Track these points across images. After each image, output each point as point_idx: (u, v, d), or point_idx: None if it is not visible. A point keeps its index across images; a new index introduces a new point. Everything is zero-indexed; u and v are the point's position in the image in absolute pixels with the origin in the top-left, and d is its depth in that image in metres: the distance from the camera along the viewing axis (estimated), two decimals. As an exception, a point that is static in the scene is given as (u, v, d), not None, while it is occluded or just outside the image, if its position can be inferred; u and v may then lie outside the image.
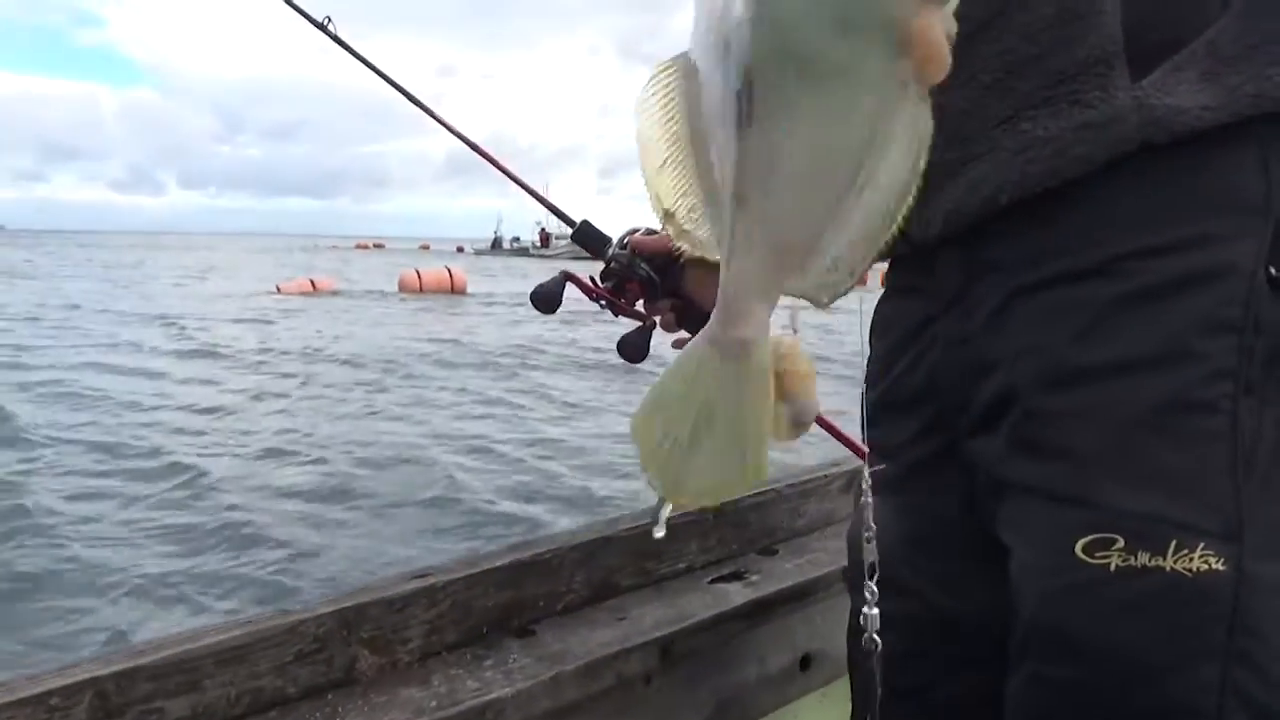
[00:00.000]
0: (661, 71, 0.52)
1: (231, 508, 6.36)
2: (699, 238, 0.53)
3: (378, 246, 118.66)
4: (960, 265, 0.83)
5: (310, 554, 5.57)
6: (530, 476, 7.35)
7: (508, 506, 6.55)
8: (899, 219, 0.46)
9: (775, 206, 0.47)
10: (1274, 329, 0.71)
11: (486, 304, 24.58)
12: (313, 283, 26.52)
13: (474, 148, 1.32)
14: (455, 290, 27.58)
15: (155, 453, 7.81)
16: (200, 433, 8.71)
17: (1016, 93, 0.77)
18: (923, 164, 0.45)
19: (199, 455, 7.75)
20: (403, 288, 27.21)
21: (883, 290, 0.97)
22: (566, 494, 6.94)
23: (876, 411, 0.92)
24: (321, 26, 1.30)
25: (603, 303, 1.09)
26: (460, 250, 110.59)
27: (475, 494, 6.79)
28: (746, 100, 0.44)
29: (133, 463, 7.53)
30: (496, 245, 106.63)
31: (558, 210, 1.38)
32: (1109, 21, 0.73)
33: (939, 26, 0.41)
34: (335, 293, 25.90)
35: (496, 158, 1.33)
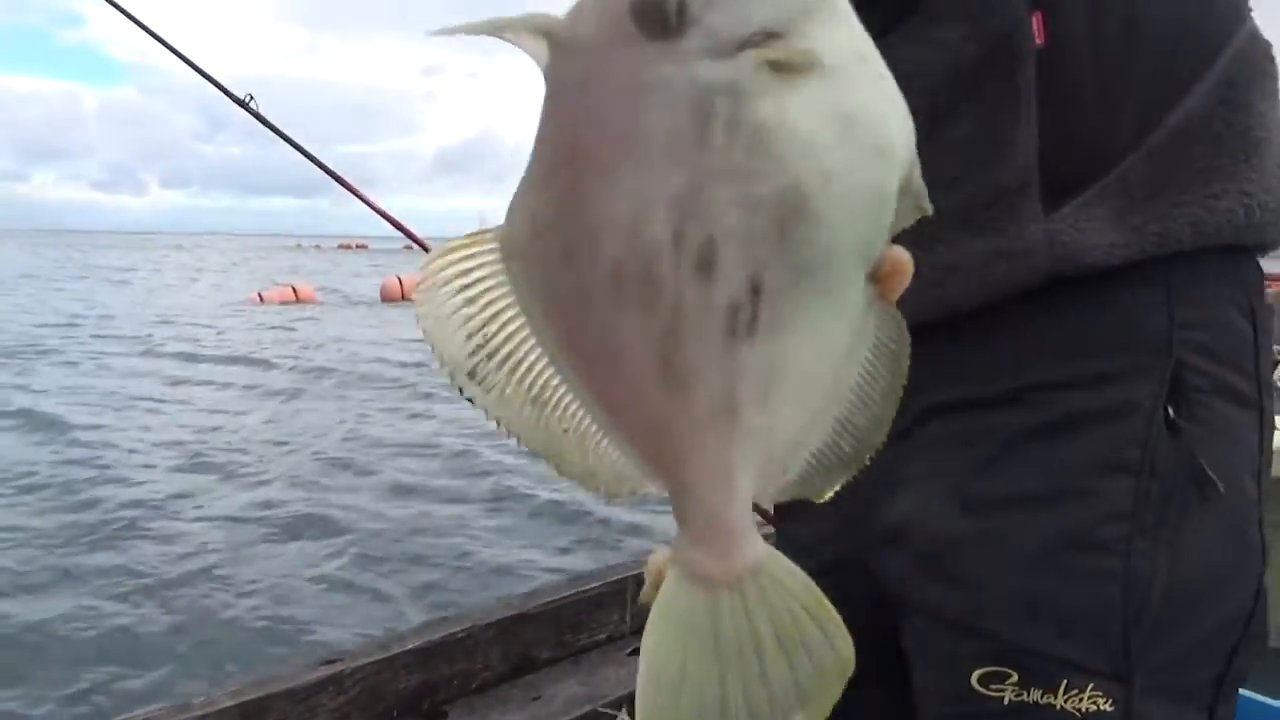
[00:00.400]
0: (468, 253, 0.41)
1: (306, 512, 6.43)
2: (614, 469, 0.46)
3: (360, 247, 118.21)
4: None
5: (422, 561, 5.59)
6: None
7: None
8: (888, 420, 0.48)
9: (774, 419, 0.44)
10: (1170, 471, 0.72)
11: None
12: (295, 290, 26.40)
13: (388, 218, 1.33)
14: (438, 297, 27.54)
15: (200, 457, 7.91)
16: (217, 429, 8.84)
17: (935, 211, 0.79)
18: (905, 368, 0.47)
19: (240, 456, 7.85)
20: (385, 296, 27.10)
21: None
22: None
23: (788, 508, 0.94)
24: (244, 104, 1.30)
25: None
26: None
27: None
28: (751, 308, 0.39)
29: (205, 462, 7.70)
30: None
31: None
32: (1020, 152, 0.75)
33: (908, 256, 0.43)
34: (318, 301, 25.81)
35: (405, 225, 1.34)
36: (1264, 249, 0.79)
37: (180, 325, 18.84)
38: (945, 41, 0.76)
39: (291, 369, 13.25)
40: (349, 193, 1.36)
